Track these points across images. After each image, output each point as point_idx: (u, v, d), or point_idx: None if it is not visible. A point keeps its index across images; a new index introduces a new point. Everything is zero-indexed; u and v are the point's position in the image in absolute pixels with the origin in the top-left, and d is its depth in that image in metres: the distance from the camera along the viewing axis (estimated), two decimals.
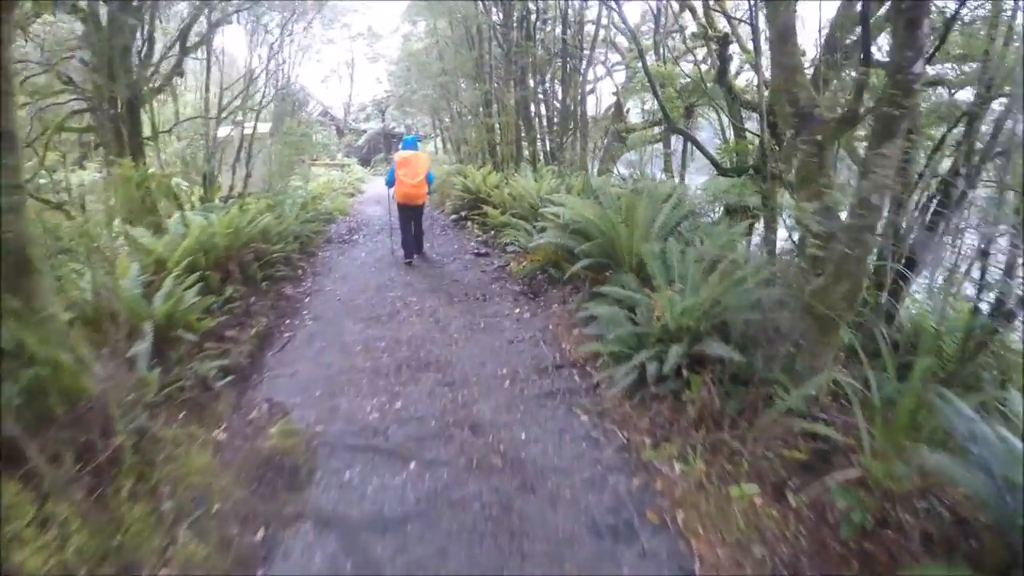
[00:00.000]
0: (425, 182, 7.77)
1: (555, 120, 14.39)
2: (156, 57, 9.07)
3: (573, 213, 5.29)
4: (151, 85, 9.04)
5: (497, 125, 13.53)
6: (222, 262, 6.25)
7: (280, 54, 24.83)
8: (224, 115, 10.54)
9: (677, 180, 11.92)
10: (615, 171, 15.71)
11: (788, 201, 5.66)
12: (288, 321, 5.86)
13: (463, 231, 10.51)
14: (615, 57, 18.43)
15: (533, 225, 7.37)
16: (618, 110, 17.93)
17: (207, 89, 10.94)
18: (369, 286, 6.99)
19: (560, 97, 14.73)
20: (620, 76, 18.57)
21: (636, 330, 3.83)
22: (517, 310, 5.86)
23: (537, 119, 14.05)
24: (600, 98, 17.83)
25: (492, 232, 9.37)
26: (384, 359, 4.75)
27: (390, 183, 7.96)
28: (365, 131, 36.43)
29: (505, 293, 6.47)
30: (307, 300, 6.58)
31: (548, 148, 14.08)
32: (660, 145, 15.71)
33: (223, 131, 16.53)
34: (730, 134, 9.76)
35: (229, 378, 4.27)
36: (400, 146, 8.30)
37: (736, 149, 8.49)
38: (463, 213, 11.04)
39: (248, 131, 15.28)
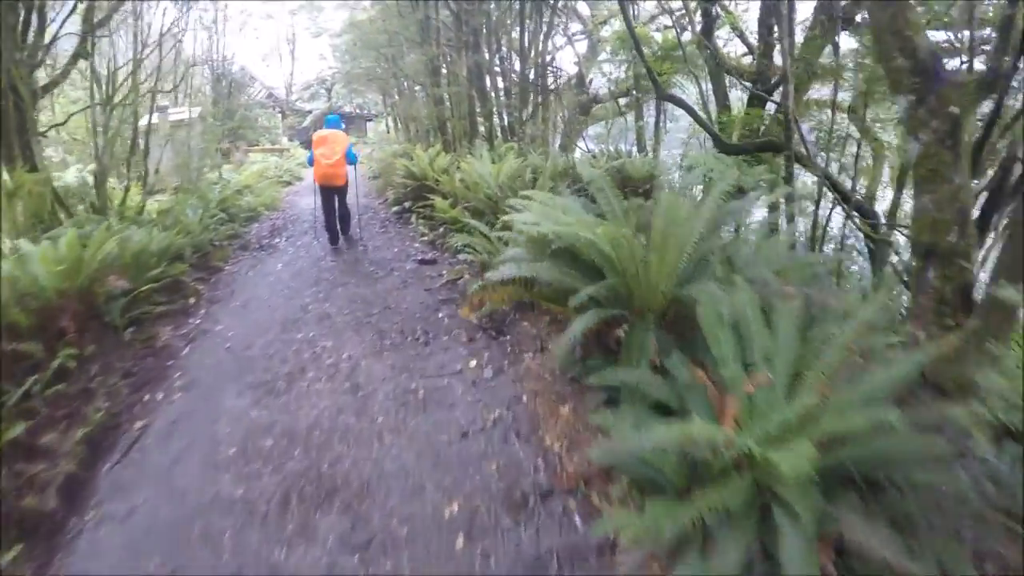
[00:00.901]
0: (345, 161, 7.27)
1: (513, 92, 12.59)
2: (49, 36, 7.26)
3: (556, 224, 3.35)
4: (42, 68, 7.27)
5: (447, 97, 11.62)
6: (53, 315, 4.38)
7: (214, 31, 22.45)
8: (124, 101, 8.39)
9: (651, 155, 10.38)
10: (583, 146, 14.09)
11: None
12: (147, 398, 4.05)
13: (406, 227, 8.68)
14: (575, 27, 16.89)
15: (492, 228, 5.65)
16: (580, 81, 16.43)
17: (92, 70, 8.70)
18: (274, 321, 5.19)
19: (519, 67, 12.97)
20: (581, 47, 17.07)
21: (680, 438, 2.13)
22: (473, 362, 4.11)
23: (493, 91, 12.20)
24: (560, 69, 16.11)
25: (441, 229, 7.58)
26: (265, 479, 2.99)
27: (311, 162, 7.40)
28: (310, 111, 33.75)
29: (456, 328, 4.73)
30: (185, 352, 4.76)
31: (506, 123, 12.28)
32: (628, 118, 14.35)
33: (146, 119, 14.33)
34: (713, 106, 8.20)
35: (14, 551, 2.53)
36: (323, 125, 7.65)
37: (745, 120, 6.83)
38: (407, 204, 9.20)
39: (171, 118, 13.11)
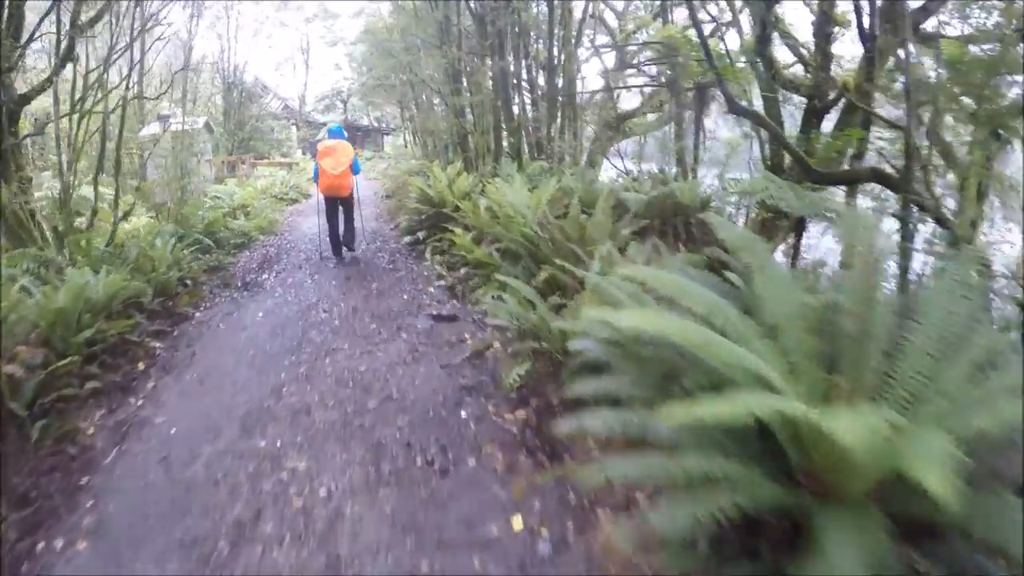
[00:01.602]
0: (350, 172, 7.21)
1: (540, 104, 11.24)
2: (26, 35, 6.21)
3: (713, 355, 1.65)
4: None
5: (469, 108, 10.24)
6: None
7: (225, 36, 21.31)
8: (94, 108, 7.10)
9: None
10: (616, 165, 12.74)
11: None
12: (40, 547, 2.65)
13: (420, 263, 7.24)
14: (600, 38, 15.83)
15: (532, 278, 4.23)
16: (607, 93, 15.20)
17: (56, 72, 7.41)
18: (234, 413, 3.75)
19: (543, 78, 11.63)
20: (608, 59, 16.04)
21: None
22: (517, 519, 2.59)
23: (519, 102, 10.83)
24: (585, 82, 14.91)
25: (462, 271, 6.15)
26: None
27: (316, 177, 7.32)
28: (324, 124, 32.59)
29: (487, 440, 3.25)
30: (110, 459, 3.36)
31: (535, 139, 10.90)
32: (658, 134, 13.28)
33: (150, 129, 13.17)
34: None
35: None
36: (325, 135, 7.65)
37: (845, 141, 5.34)
38: (420, 235, 7.77)
39: (173, 127, 11.84)
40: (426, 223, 7.74)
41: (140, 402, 4.11)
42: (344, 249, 7.69)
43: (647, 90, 15.68)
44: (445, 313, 5.25)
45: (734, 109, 5.94)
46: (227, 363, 4.58)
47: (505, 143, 10.74)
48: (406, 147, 25.57)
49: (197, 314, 5.81)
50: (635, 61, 16.07)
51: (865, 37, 5.17)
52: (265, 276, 7.10)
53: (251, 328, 5.33)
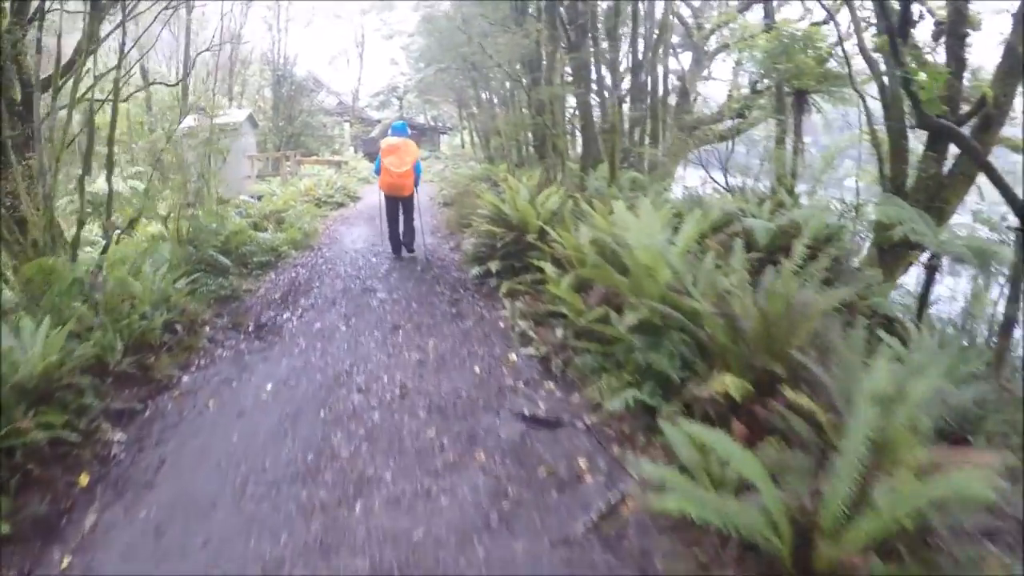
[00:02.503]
0: (413, 172, 7.00)
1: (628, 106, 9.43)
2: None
3: None
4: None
5: (549, 103, 8.40)
6: None
7: (275, 28, 20.01)
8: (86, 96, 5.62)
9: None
10: (708, 177, 10.83)
11: None
12: None
13: (493, 309, 5.37)
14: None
15: (699, 384, 2.36)
16: (684, 96, 13.65)
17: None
18: None
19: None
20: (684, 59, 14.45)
21: None
22: None
23: (612, 99, 8.99)
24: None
25: (559, 332, 4.26)
26: None
27: (377, 172, 7.17)
28: (379, 121, 31.06)
29: None
30: None
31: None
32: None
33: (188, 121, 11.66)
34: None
35: None
36: (389, 132, 7.41)
37: None
38: (492, 266, 5.89)
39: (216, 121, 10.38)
40: (500, 251, 5.85)
41: (66, 562, 2.42)
42: (403, 249, 7.51)
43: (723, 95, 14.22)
44: (542, 413, 3.37)
45: (926, 124, 4.02)
46: (203, 493, 2.82)
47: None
48: (463, 147, 24.08)
49: (184, 378, 4.12)
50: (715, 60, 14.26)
51: None
52: (287, 315, 5.39)
53: (251, 415, 3.58)
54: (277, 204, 9.68)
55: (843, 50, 6.98)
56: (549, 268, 4.63)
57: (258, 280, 6.57)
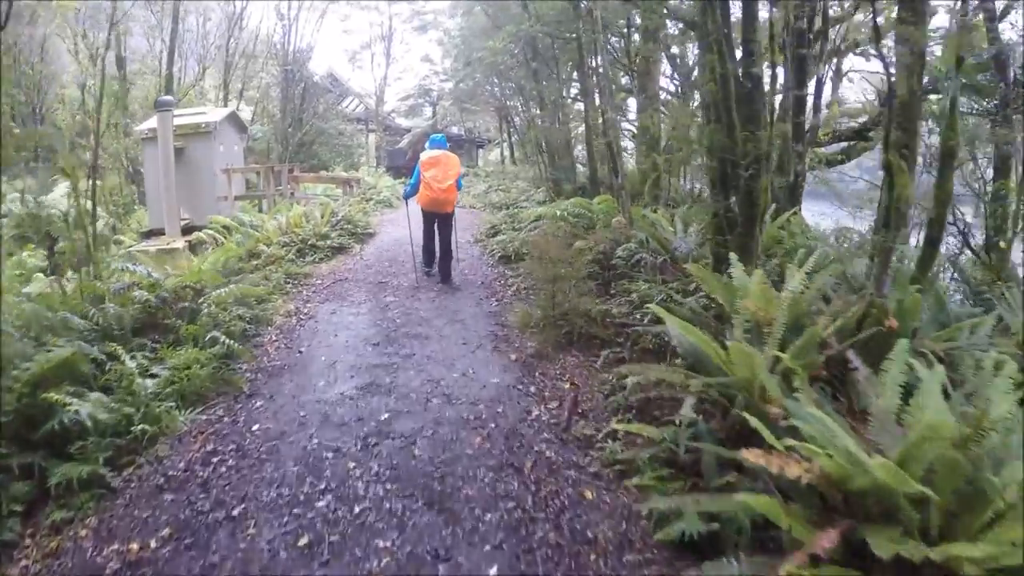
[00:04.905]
0: (455, 187, 6.70)
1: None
2: None
3: None
4: None
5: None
6: None
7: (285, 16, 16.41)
8: None
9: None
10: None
11: None
12: None
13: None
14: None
15: None
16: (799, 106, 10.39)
17: None
18: None
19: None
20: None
21: None
22: None
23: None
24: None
25: None
26: None
27: (409, 194, 6.97)
28: (408, 130, 26.82)
29: None
30: None
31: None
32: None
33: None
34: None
35: None
36: (427, 144, 6.93)
37: None
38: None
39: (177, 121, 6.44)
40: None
41: None
42: (439, 276, 6.97)
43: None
44: None
45: None
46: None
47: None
48: (503, 163, 20.75)
49: None
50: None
51: None
52: None
53: None
54: (197, 273, 5.31)
55: None
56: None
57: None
